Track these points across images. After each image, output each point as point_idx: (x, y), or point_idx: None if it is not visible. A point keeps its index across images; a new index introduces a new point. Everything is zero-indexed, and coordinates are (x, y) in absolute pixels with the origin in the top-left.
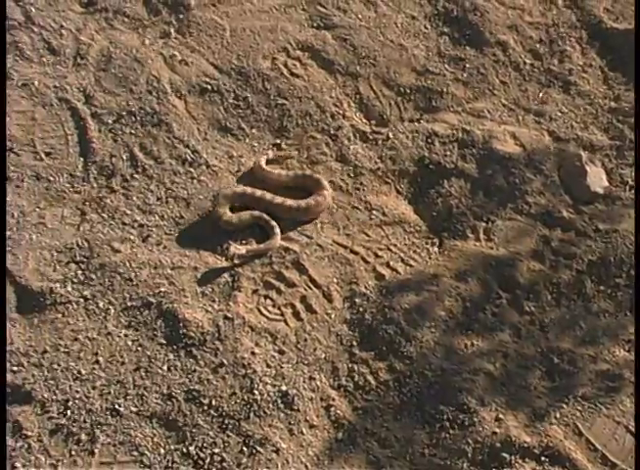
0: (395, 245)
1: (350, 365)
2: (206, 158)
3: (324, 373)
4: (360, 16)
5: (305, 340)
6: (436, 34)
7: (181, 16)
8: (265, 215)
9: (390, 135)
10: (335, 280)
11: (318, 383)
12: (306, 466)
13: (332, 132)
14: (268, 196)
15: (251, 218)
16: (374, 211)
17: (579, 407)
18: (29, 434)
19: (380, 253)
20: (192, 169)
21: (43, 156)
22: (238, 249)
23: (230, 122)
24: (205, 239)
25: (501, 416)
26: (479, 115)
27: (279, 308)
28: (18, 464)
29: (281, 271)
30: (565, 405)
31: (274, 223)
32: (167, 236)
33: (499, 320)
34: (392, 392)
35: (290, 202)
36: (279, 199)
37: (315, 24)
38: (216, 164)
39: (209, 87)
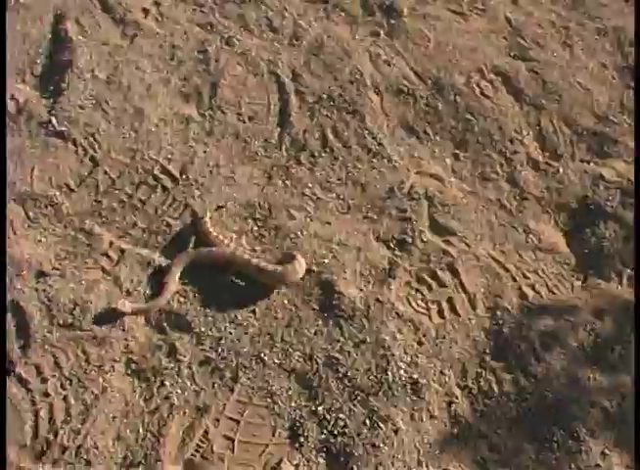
0: (544, 271)
1: (479, 370)
2: (389, 152)
3: (454, 372)
4: (555, 54)
5: (444, 337)
6: (623, 86)
7: (392, 20)
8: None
9: (561, 170)
10: (482, 290)
11: (447, 379)
12: (419, 451)
13: (508, 155)
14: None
15: None
16: (530, 235)
17: None
18: (182, 359)
19: (528, 274)
20: (374, 160)
21: (246, 118)
22: (125, 306)
23: (417, 125)
24: (373, 223)
25: (607, 452)
26: None
27: (426, 303)
28: (167, 383)
29: (435, 271)
30: None
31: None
32: (340, 214)
33: (624, 362)
34: (512, 403)
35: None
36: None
37: (512, 54)
38: (397, 159)
39: (405, 89)
